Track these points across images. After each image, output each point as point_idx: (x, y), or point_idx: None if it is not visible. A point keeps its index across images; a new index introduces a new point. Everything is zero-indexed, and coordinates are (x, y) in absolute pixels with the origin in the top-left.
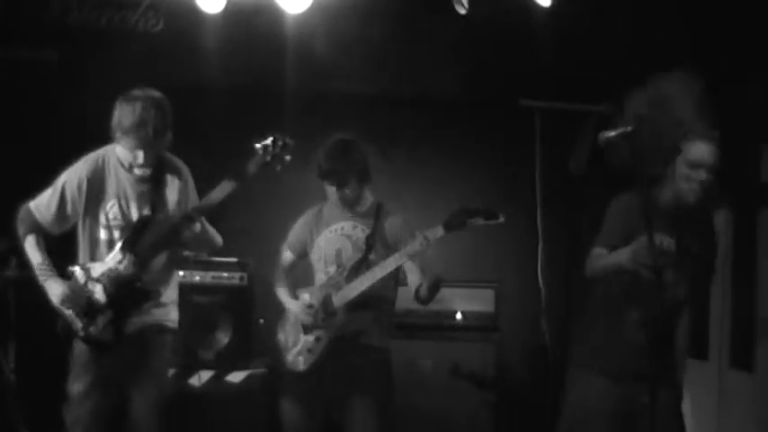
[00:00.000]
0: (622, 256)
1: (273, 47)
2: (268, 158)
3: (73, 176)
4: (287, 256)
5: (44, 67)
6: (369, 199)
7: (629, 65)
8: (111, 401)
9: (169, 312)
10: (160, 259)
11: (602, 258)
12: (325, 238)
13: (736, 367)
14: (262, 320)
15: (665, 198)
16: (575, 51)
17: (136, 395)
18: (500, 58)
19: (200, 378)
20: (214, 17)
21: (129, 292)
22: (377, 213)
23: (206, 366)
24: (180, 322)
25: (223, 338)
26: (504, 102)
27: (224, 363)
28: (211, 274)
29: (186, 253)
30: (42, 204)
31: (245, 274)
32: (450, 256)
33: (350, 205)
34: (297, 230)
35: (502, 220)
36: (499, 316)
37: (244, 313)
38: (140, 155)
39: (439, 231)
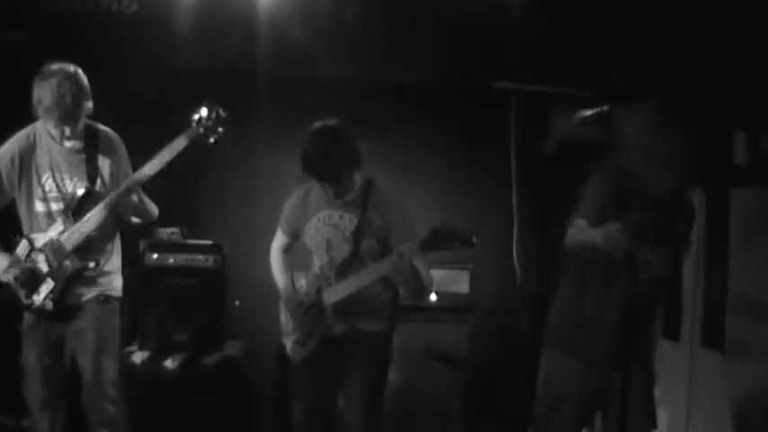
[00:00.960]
0: (596, 235)
1: (247, 29)
2: (201, 131)
3: (5, 153)
4: (280, 238)
5: (15, 50)
6: (357, 182)
7: (606, 46)
8: (63, 370)
9: (113, 281)
10: (99, 230)
11: (581, 231)
12: (314, 225)
13: (708, 347)
14: (237, 302)
15: (633, 179)
16: (549, 33)
17: (87, 365)
18: (474, 40)
19: (175, 360)
20: None
21: (71, 262)
22: (365, 196)
23: (180, 348)
24: (149, 303)
25: (197, 321)
26: (478, 84)
27: (198, 345)
28: (185, 256)
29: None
30: None
31: (219, 257)
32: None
33: (341, 194)
34: (286, 213)
35: (475, 244)
36: (473, 297)
37: (218, 295)
38: (67, 129)
39: (415, 251)
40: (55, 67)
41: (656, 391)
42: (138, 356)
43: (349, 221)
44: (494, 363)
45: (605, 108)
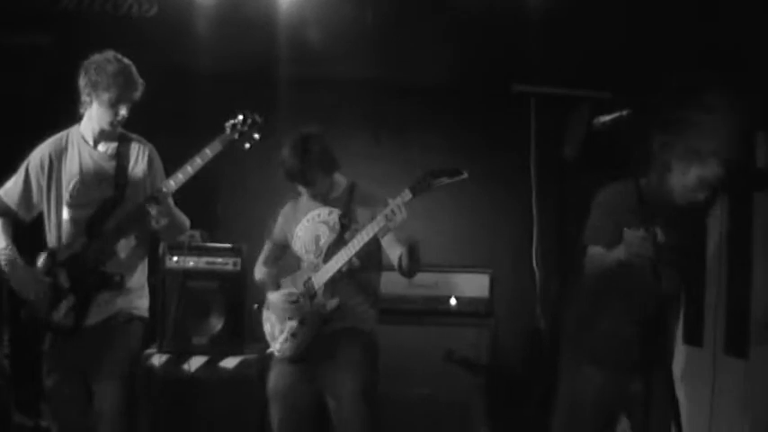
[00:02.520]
0: (618, 253)
1: (267, 32)
2: (236, 136)
3: (36, 155)
4: (266, 245)
5: (37, 52)
6: (342, 183)
7: (625, 50)
8: (83, 397)
9: (135, 300)
10: (126, 244)
11: (600, 259)
12: (303, 226)
13: (731, 354)
14: (256, 306)
15: (654, 191)
16: (569, 36)
17: (97, 387)
18: (494, 42)
19: (194, 364)
20: (208, 1)
21: (93, 277)
22: (350, 194)
23: (199, 352)
24: (169, 306)
25: (217, 324)
26: (498, 87)
27: (217, 348)
28: (205, 259)
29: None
30: (9, 188)
31: (238, 260)
32: (445, 241)
33: (322, 197)
34: (277, 223)
35: (465, 175)
36: (494, 301)
37: (237, 299)
38: (123, 109)
39: (406, 195)
40: (106, 53)
41: (680, 396)
42: (158, 359)
43: (336, 215)
44: (514, 367)
45: (625, 113)
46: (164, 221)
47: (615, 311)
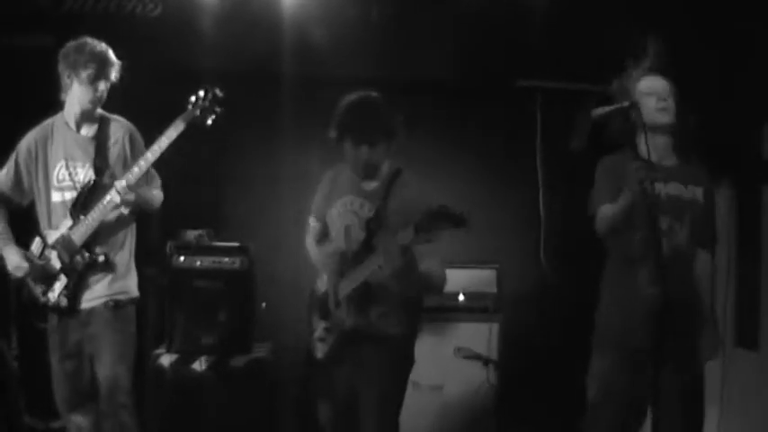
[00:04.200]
0: (625, 197)
1: (271, 31)
2: (197, 112)
3: (23, 143)
4: (313, 224)
5: (42, 54)
6: (386, 166)
7: (629, 43)
8: (85, 373)
9: (123, 282)
10: (109, 224)
11: (610, 209)
12: (337, 211)
13: (742, 346)
14: (264, 304)
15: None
16: (574, 30)
17: (100, 373)
18: (498, 38)
19: (202, 363)
20: (212, 1)
21: (79, 257)
22: (389, 184)
23: (208, 351)
24: (177, 306)
25: (225, 323)
26: (503, 83)
27: (226, 347)
28: (212, 258)
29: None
30: (2, 175)
31: (246, 259)
32: (452, 237)
33: (371, 173)
34: (317, 199)
35: (467, 222)
36: (501, 296)
37: (245, 297)
38: (102, 85)
39: (410, 234)
40: (81, 39)
41: None
42: (167, 359)
43: (368, 211)
44: (523, 362)
45: (626, 103)
46: (126, 209)
47: (632, 285)
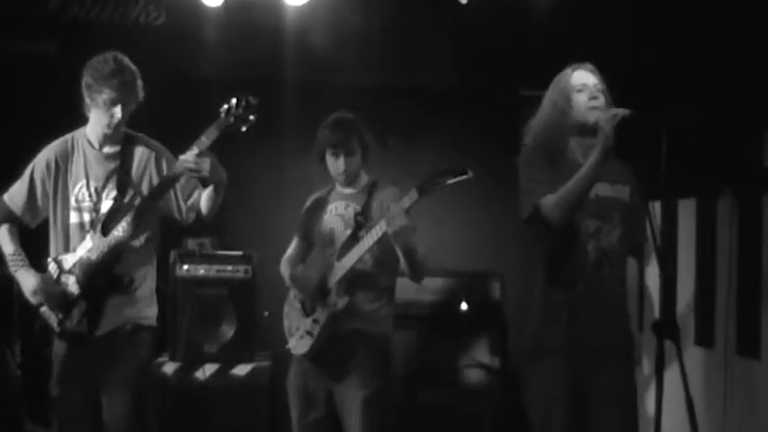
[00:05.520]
0: (601, 138)
1: (274, 38)
2: (231, 120)
3: (41, 159)
4: (294, 241)
5: (46, 60)
6: (364, 178)
7: (626, 52)
8: (91, 407)
9: (143, 309)
10: (133, 247)
11: (565, 186)
12: (322, 220)
13: (743, 355)
14: (266, 313)
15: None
16: (573, 38)
17: (107, 398)
18: (500, 46)
19: (205, 371)
20: (215, 9)
21: (101, 280)
22: (370, 191)
23: (211, 359)
24: (180, 314)
25: (228, 331)
26: (504, 91)
27: (229, 356)
28: (216, 267)
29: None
30: (14, 192)
31: (249, 267)
32: (455, 246)
33: (351, 180)
34: (301, 216)
35: (471, 174)
36: (504, 305)
37: (248, 306)
38: (117, 112)
39: (413, 196)
40: (106, 54)
41: (696, 399)
42: (170, 367)
43: (353, 210)
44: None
45: (624, 113)
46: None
47: (552, 286)
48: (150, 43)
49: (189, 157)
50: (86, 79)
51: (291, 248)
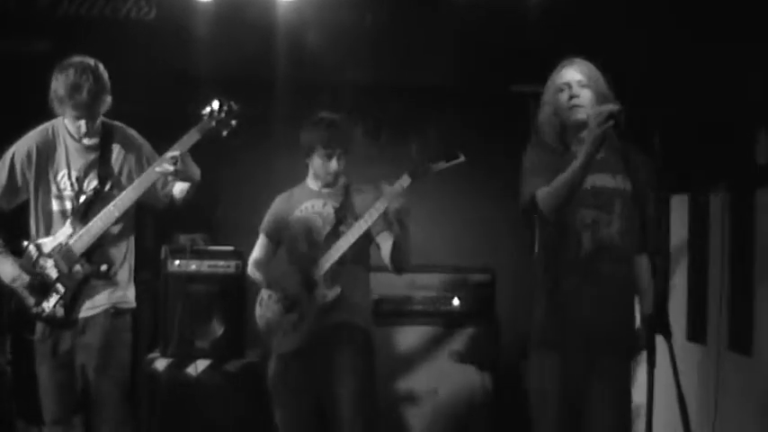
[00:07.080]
0: (590, 136)
1: (266, 35)
2: (213, 123)
3: (22, 146)
4: (260, 239)
5: (38, 58)
6: (342, 179)
7: (623, 49)
8: (75, 386)
9: (122, 292)
10: (111, 234)
11: (557, 181)
12: (295, 217)
13: (735, 350)
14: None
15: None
16: (567, 35)
17: (97, 381)
18: (492, 44)
19: (197, 367)
20: (206, 5)
21: (79, 267)
22: (346, 191)
23: (203, 355)
24: (171, 310)
25: (219, 327)
26: (496, 88)
27: (220, 352)
28: (207, 263)
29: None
30: None
31: (240, 263)
32: (447, 241)
33: (334, 180)
34: (268, 216)
35: (462, 158)
36: (496, 301)
37: (240, 302)
38: (82, 125)
39: (405, 180)
40: (74, 59)
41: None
42: (161, 363)
43: (332, 207)
44: (518, 366)
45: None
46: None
47: (554, 280)
48: (140, 38)
49: (168, 159)
50: (52, 91)
51: (258, 250)
